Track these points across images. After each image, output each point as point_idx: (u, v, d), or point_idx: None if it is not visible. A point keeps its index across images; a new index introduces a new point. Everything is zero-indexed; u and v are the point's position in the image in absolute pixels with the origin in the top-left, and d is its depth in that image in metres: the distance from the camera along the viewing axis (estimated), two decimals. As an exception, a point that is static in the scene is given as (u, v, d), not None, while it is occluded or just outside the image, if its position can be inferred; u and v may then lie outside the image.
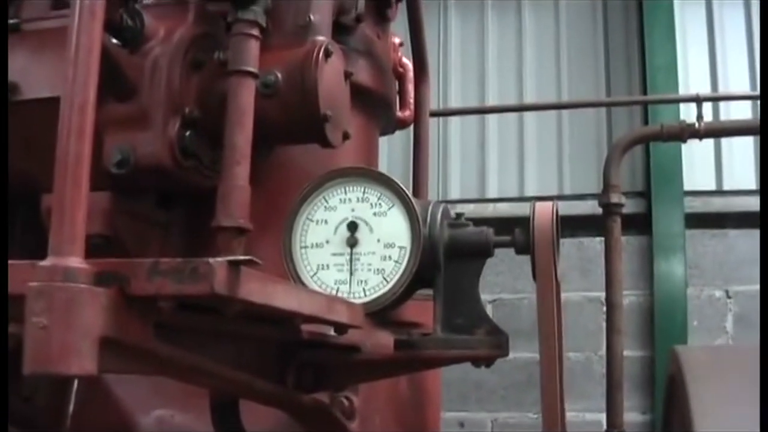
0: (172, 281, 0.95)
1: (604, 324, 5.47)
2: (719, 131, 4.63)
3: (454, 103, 6.83)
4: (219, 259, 0.97)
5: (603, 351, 5.27)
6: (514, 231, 1.61)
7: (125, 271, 0.97)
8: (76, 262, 0.91)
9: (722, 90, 6.39)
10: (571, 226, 6.00)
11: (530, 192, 6.62)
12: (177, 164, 1.63)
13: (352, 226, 1.56)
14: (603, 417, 4.83)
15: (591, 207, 5.91)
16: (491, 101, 6.80)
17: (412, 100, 2.58)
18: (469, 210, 6.60)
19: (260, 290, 1.05)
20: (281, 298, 1.13)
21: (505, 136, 6.78)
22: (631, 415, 5.42)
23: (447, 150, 6.81)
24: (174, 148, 1.62)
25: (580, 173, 6.58)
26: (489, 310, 6.11)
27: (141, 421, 1.86)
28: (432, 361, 1.67)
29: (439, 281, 1.59)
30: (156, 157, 1.61)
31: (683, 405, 2.24)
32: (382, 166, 2.41)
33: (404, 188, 1.56)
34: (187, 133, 1.64)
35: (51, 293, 0.89)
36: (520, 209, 6.16)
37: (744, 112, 6.15)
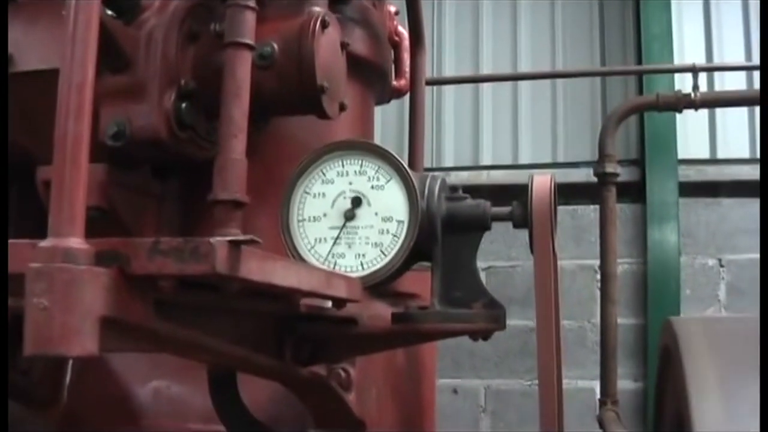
0: (173, 261, 0.95)
1: (597, 292, 5.49)
2: (715, 102, 4.62)
3: (449, 71, 6.79)
4: (219, 238, 0.96)
5: (596, 319, 5.30)
6: (512, 204, 1.61)
7: (126, 250, 0.96)
8: (76, 242, 0.91)
9: (717, 60, 6.36)
10: (565, 193, 5.97)
11: (524, 159, 6.61)
12: (173, 136, 1.63)
13: (356, 201, 1.55)
14: (596, 384, 4.86)
15: (585, 175, 5.92)
16: (486, 70, 6.76)
17: (407, 69, 2.57)
18: (463, 178, 6.58)
19: (260, 268, 1.05)
20: (281, 275, 1.13)
21: (500, 105, 6.75)
22: (624, 383, 5.44)
23: (441, 118, 6.78)
24: (170, 120, 1.61)
25: (574, 141, 6.56)
26: (482, 277, 6.11)
27: (137, 393, 1.87)
28: (429, 334, 1.67)
29: (436, 254, 1.59)
30: (152, 129, 1.60)
31: (678, 377, 2.25)
32: (376, 135, 2.40)
33: (402, 161, 1.56)
34: (183, 105, 1.64)
35: (51, 274, 0.89)
36: (515, 177, 6.21)
37: (739, 82, 6.14)
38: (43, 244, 0.90)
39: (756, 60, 6.19)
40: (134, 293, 0.98)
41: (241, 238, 0.99)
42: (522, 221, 1.58)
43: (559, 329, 1.59)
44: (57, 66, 1.02)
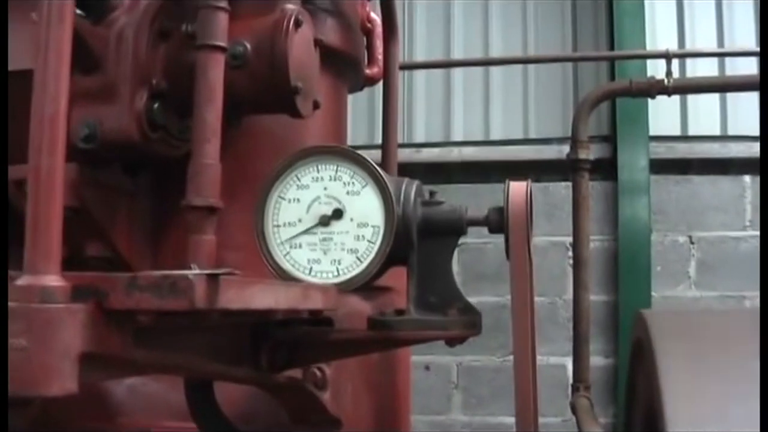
0: (152, 296, 0.94)
1: (569, 268, 5.53)
2: (688, 88, 4.65)
3: (420, 55, 6.74)
4: (197, 272, 0.95)
5: (568, 295, 5.33)
6: (488, 210, 1.61)
7: (103, 285, 0.95)
8: (52, 280, 0.90)
9: (689, 45, 6.38)
10: (536, 170, 5.98)
11: (496, 136, 6.58)
12: (145, 137, 1.61)
13: (337, 213, 1.54)
14: (567, 361, 4.90)
15: (557, 151, 5.93)
16: (457, 54, 6.71)
17: (380, 57, 2.55)
18: (435, 154, 6.54)
19: (239, 297, 1.04)
20: (258, 299, 1.12)
21: (471, 84, 6.70)
22: (595, 360, 5.48)
23: (412, 96, 6.71)
24: (142, 121, 1.60)
25: (545, 117, 6.54)
26: (454, 254, 6.11)
27: (113, 390, 1.86)
28: (406, 341, 1.68)
29: (412, 260, 1.59)
30: (124, 131, 1.59)
31: (650, 373, 2.27)
32: (348, 121, 2.38)
33: (377, 167, 1.55)
34: (155, 105, 1.62)
35: (29, 314, 0.88)
36: (486, 153, 6.18)
37: (710, 67, 6.15)
38: (20, 282, 0.89)
39: (728, 46, 6.24)
40: (112, 327, 0.96)
41: (219, 271, 0.98)
42: (498, 227, 1.59)
43: (535, 335, 1.60)
44: (26, 67, 1.01)
